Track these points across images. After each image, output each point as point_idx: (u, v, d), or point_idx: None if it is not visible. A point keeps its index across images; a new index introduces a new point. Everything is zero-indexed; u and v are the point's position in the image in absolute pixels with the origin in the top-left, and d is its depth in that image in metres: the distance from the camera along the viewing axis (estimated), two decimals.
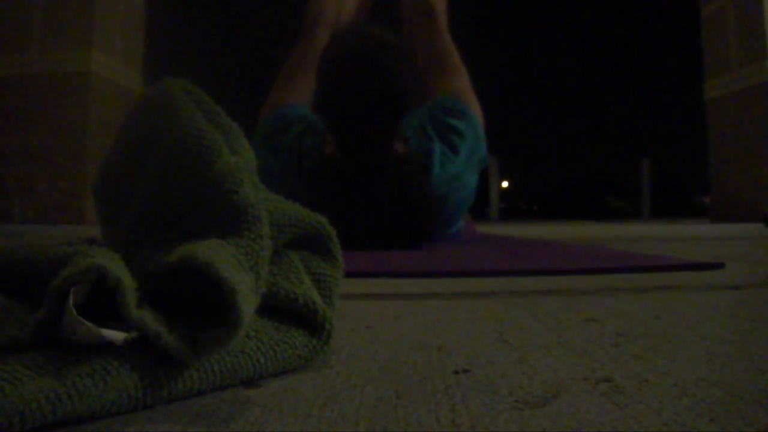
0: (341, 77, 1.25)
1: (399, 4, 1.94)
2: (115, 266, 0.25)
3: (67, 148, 3.93)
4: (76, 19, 3.99)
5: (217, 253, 0.26)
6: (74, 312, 0.24)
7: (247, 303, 0.25)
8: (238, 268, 0.27)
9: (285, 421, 0.23)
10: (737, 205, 4.73)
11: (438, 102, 1.50)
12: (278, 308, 0.32)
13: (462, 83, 1.59)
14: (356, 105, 1.23)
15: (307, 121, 1.43)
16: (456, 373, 0.30)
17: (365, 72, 1.23)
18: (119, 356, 0.24)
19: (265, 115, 1.53)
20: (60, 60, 3.98)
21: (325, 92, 1.29)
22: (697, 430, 0.22)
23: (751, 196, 4.60)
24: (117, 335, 0.24)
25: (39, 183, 3.91)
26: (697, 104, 5.32)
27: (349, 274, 0.44)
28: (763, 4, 4.50)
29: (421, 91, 1.64)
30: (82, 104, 3.96)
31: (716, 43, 4.99)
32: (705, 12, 5.12)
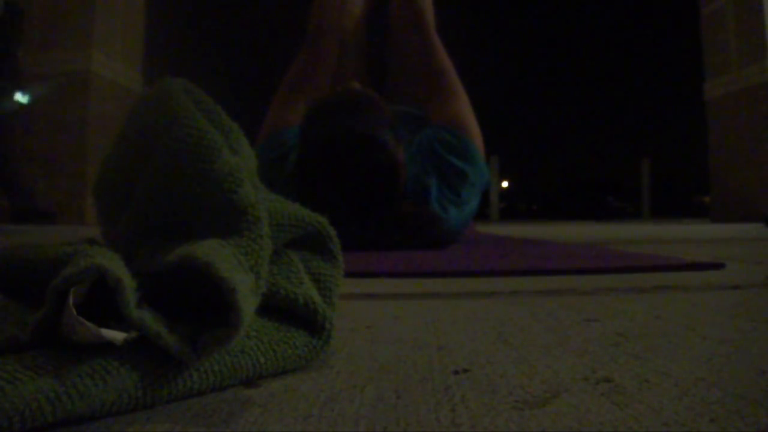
0: (322, 180, 1.20)
1: (389, 16, 1.90)
2: (115, 266, 0.25)
3: (67, 147, 3.93)
4: (76, 19, 3.99)
5: (217, 253, 0.26)
6: (74, 312, 0.23)
7: (247, 303, 0.25)
8: (238, 268, 0.27)
9: (285, 421, 0.23)
10: (737, 205, 4.73)
11: (438, 133, 1.42)
12: (278, 308, 0.32)
13: (461, 107, 1.50)
14: (345, 208, 1.18)
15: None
16: (456, 372, 0.30)
17: (349, 176, 1.18)
18: (119, 356, 0.24)
19: (264, 135, 1.47)
20: (60, 60, 3.98)
21: (310, 193, 1.22)
22: (697, 430, 0.22)
23: (751, 196, 4.60)
24: (117, 335, 0.24)
25: (39, 183, 3.91)
26: (697, 104, 5.32)
27: (349, 274, 0.44)
28: (763, 4, 4.50)
29: (416, 103, 1.61)
30: (82, 104, 3.96)
31: (716, 43, 4.99)
32: (705, 12, 5.13)
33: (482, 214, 7.36)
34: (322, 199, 1.19)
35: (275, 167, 1.36)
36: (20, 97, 3.58)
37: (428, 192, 1.33)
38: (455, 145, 1.39)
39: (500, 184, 9.11)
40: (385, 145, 1.20)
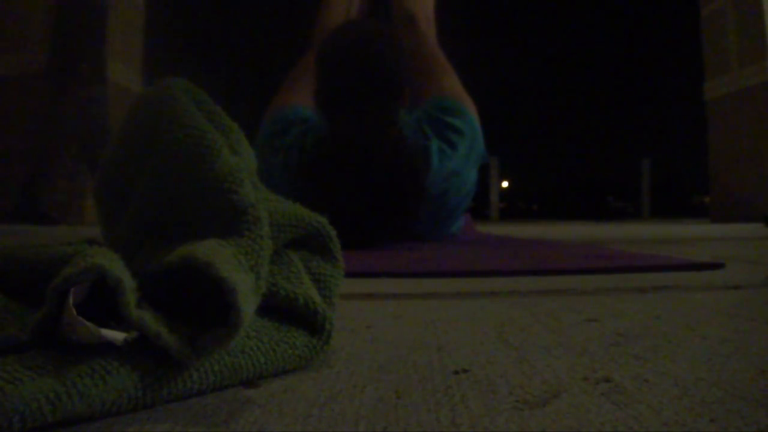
0: (336, 60, 1.31)
1: (389, 15, 1.97)
2: (115, 266, 0.25)
3: (67, 147, 3.93)
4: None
5: (217, 253, 0.26)
6: (74, 312, 0.24)
7: (247, 303, 0.25)
8: (238, 268, 0.27)
9: (285, 421, 0.23)
10: (737, 205, 4.73)
11: (434, 102, 1.52)
12: (278, 308, 0.32)
13: (452, 82, 1.62)
14: (350, 84, 1.29)
15: (309, 122, 1.45)
16: (456, 373, 0.30)
17: (359, 54, 1.29)
18: (119, 356, 0.24)
19: (268, 114, 1.55)
20: (60, 60, 3.97)
21: (321, 76, 1.35)
22: (697, 430, 0.22)
23: (751, 196, 4.60)
24: (117, 335, 0.24)
25: (39, 183, 3.91)
26: (697, 104, 5.32)
27: (349, 274, 0.44)
28: (763, 4, 4.50)
29: (413, 93, 1.65)
30: (81, 104, 3.96)
31: (716, 43, 4.99)
32: (705, 12, 5.12)
33: (482, 214, 7.36)
34: (331, 96, 1.32)
35: (277, 137, 1.43)
36: None
37: (429, 153, 1.39)
38: (449, 106, 1.49)
39: (500, 184, 9.11)
40: (391, 35, 1.36)
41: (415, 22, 1.77)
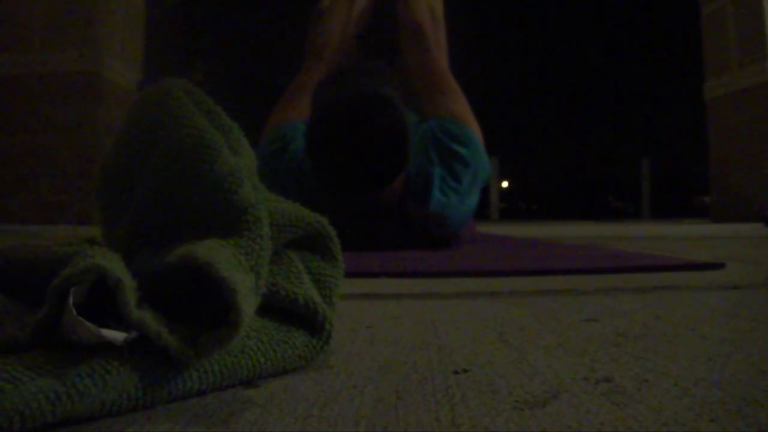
0: (333, 140, 1.20)
1: (396, 23, 1.94)
2: (115, 266, 0.25)
3: (68, 147, 3.94)
4: (77, 19, 4.00)
5: (218, 254, 0.26)
6: (74, 312, 0.23)
7: (247, 303, 0.25)
8: (238, 268, 0.27)
9: (285, 421, 0.23)
10: (737, 205, 4.73)
11: (441, 124, 1.45)
12: (278, 308, 0.32)
13: (460, 105, 1.54)
14: (351, 170, 1.19)
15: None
16: (456, 373, 0.30)
17: (359, 135, 1.18)
18: (119, 356, 0.24)
19: (267, 131, 1.50)
20: (61, 60, 3.98)
21: (318, 154, 1.24)
22: (697, 430, 0.22)
23: (751, 196, 4.60)
24: (117, 335, 0.24)
25: (40, 183, 3.91)
26: (697, 104, 5.32)
27: (349, 274, 0.44)
28: (763, 4, 4.50)
29: (416, 106, 1.63)
30: (82, 104, 3.97)
31: (716, 43, 4.99)
32: (705, 12, 5.13)
33: (482, 214, 7.36)
34: (331, 166, 1.21)
35: (276, 158, 1.39)
36: None
37: (431, 181, 1.35)
38: (457, 133, 1.43)
39: (500, 184, 9.12)
40: (395, 104, 1.22)
41: (422, 34, 1.69)
